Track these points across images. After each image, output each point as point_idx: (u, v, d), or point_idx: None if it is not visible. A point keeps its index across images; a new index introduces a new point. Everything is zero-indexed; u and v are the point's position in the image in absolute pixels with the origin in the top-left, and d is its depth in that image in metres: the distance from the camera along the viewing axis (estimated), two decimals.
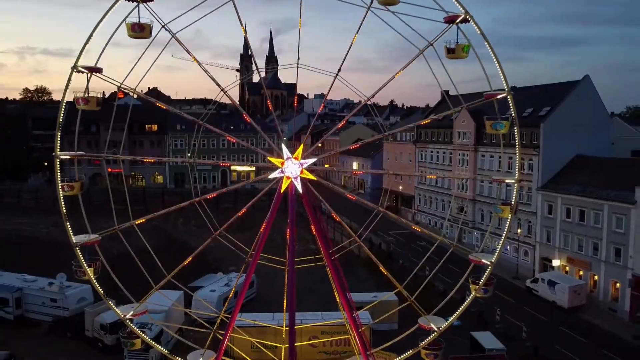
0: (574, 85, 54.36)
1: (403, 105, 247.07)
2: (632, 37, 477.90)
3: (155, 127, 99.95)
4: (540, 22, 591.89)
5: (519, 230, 55.47)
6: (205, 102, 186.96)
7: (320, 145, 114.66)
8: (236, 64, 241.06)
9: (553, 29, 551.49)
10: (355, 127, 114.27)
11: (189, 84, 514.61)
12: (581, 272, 48.36)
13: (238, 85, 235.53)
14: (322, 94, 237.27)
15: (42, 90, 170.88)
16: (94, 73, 25.40)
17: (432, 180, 72.30)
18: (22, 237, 63.68)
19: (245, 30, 26.30)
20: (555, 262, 50.77)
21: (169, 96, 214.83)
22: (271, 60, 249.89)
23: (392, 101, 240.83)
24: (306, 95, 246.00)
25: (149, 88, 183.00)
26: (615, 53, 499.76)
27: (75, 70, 24.90)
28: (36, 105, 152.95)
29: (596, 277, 46.82)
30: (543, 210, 52.61)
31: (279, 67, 35.45)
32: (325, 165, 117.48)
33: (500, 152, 58.04)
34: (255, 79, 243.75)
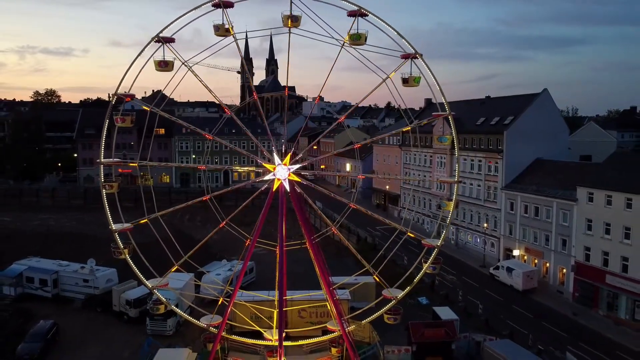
0: (534, 97, 61.79)
1: (400, 106, 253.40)
2: (632, 36, 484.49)
3: (162, 131, 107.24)
4: (540, 22, 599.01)
5: (485, 225, 63.06)
6: (208, 104, 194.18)
7: (315, 147, 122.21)
8: (236, 63, 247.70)
9: (553, 28, 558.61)
10: (350, 131, 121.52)
11: (191, 86, 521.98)
12: (536, 260, 55.87)
13: (239, 88, 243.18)
14: (321, 96, 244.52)
15: (51, 93, 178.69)
16: (128, 98, 32.67)
17: (416, 181, 79.61)
18: (50, 231, 71.36)
19: (242, 68, 33.75)
20: (516, 252, 58.31)
21: (173, 98, 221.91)
22: (271, 62, 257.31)
23: (389, 103, 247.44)
24: (305, 97, 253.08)
25: (153, 91, 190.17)
26: (615, 52, 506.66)
27: (116, 96, 32.12)
28: (46, 108, 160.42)
29: (547, 264, 54.36)
30: (506, 207, 60.14)
31: (270, 94, 42.72)
32: (322, 167, 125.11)
33: (461, 155, 65.48)
34: (256, 81, 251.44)
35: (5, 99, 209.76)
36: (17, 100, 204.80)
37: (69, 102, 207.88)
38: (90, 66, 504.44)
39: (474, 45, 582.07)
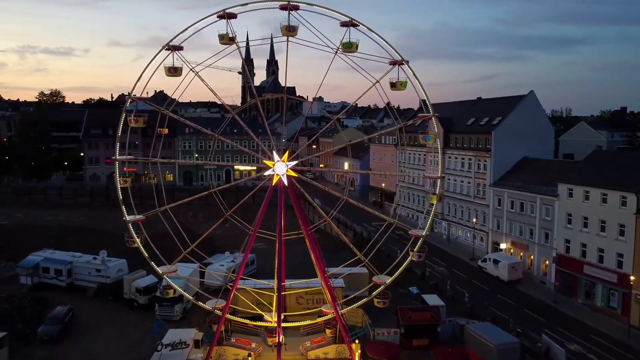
0: (520, 99, 65.03)
1: (399, 107, 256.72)
2: (631, 36, 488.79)
3: (166, 131, 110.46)
4: (541, 22, 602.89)
5: (474, 220, 66.30)
6: (209, 105, 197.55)
7: (314, 147, 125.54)
8: (238, 63, 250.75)
9: (553, 28, 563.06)
10: (348, 130, 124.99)
11: (194, 87, 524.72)
12: (521, 253, 59.10)
13: (240, 88, 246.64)
14: (321, 97, 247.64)
15: (56, 94, 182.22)
16: (142, 100, 35.91)
17: (410, 179, 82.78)
18: (61, 225, 74.70)
19: (243, 69, 36.86)
20: (503, 246, 61.56)
21: (176, 99, 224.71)
22: (272, 63, 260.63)
23: (388, 103, 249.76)
24: (306, 97, 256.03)
25: (155, 91, 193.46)
26: (615, 52, 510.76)
27: (130, 98, 35.31)
28: (51, 108, 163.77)
29: (532, 257, 57.59)
30: (494, 203, 63.38)
31: (271, 95, 45.57)
32: (320, 165, 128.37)
33: (432, 153, 68.60)
34: (257, 82, 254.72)
35: (9, 99, 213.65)
36: (20, 100, 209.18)
37: (72, 102, 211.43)
38: (91, 66, 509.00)
39: (474, 45, 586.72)
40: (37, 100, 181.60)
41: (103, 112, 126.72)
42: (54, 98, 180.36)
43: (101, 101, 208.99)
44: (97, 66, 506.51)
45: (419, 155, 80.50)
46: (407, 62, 35.58)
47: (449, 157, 72.81)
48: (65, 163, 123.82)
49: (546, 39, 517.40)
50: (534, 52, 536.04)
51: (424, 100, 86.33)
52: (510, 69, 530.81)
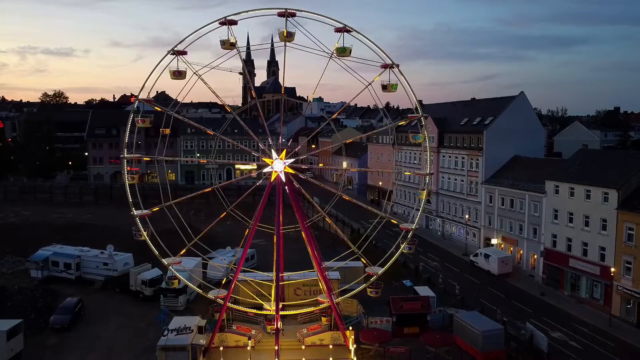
0: (511, 99, 67.34)
1: (398, 107, 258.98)
2: (631, 36, 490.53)
3: (167, 131, 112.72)
4: (541, 22, 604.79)
5: (467, 216, 68.58)
6: (210, 105, 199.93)
7: (313, 146, 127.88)
8: (239, 64, 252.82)
9: (553, 28, 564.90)
10: (346, 130, 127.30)
11: (195, 87, 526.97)
12: (511, 248, 61.40)
13: (241, 89, 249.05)
14: (320, 97, 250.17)
15: (59, 95, 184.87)
16: (148, 102, 38.21)
17: (406, 177, 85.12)
18: (68, 222, 77.29)
19: (244, 72, 39.19)
20: (494, 241, 63.84)
21: (177, 100, 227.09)
22: (272, 63, 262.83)
23: (387, 103, 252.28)
24: (306, 98, 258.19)
25: (157, 92, 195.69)
26: (615, 52, 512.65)
27: (138, 100, 37.62)
28: (55, 109, 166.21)
29: (521, 251, 59.89)
30: (486, 200, 65.66)
31: (271, 95, 47.46)
32: (320, 165, 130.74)
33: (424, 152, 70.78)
34: (258, 82, 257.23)
35: (12, 100, 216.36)
36: (22, 101, 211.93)
37: (75, 102, 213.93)
38: (91, 66, 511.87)
39: (474, 45, 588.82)
40: (40, 100, 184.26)
41: (106, 113, 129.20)
42: (57, 99, 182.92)
43: (104, 102, 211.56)
44: (97, 66, 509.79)
45: (415, 154, 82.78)
46: (398, 65, 37.90)
47: (443, 156, 75.10)
48: (70, 163, 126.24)
49: (546, 39, 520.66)
50: (534, 52, 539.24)
51: (420, 101, 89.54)
52: (510, 69, 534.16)
